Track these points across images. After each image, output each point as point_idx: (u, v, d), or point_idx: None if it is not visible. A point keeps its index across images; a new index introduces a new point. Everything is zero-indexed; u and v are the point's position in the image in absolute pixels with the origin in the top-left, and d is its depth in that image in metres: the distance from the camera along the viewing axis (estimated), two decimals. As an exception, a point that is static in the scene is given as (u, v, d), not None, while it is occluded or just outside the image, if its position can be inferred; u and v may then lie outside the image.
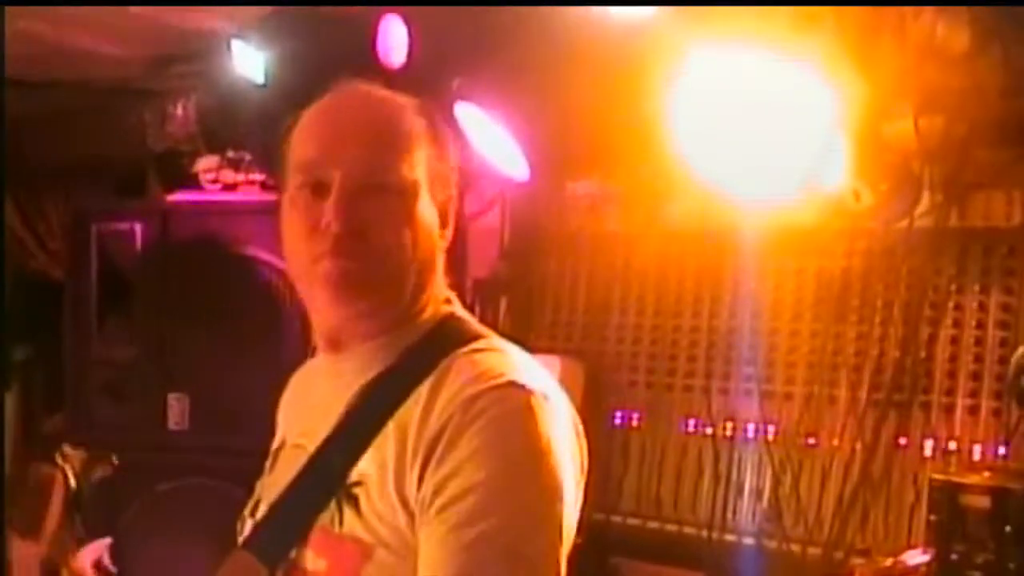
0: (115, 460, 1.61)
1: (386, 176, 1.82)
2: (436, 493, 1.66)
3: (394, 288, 1.85)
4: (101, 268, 4.34)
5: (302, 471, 1.87)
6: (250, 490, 2.05)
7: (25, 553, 1.55)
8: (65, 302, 4.44)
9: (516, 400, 1.72)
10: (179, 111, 4.50)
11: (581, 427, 1.85)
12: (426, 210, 1.86)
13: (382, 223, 1.81)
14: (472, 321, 1.95)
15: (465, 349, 1.82)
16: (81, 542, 1.57)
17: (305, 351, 2.13)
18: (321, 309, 1.89)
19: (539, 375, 1.80)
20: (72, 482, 1.61)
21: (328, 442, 1.85)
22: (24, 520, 1.53)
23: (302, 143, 1.88)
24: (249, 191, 4.20)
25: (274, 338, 3.80)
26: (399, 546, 1.71)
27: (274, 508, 1.90)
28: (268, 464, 2.06)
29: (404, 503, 1.70)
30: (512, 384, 1.73)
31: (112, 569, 4.09)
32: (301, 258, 1.84)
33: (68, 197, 4.95)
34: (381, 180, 1.82)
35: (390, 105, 1.91)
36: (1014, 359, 2.98)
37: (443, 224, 1.92)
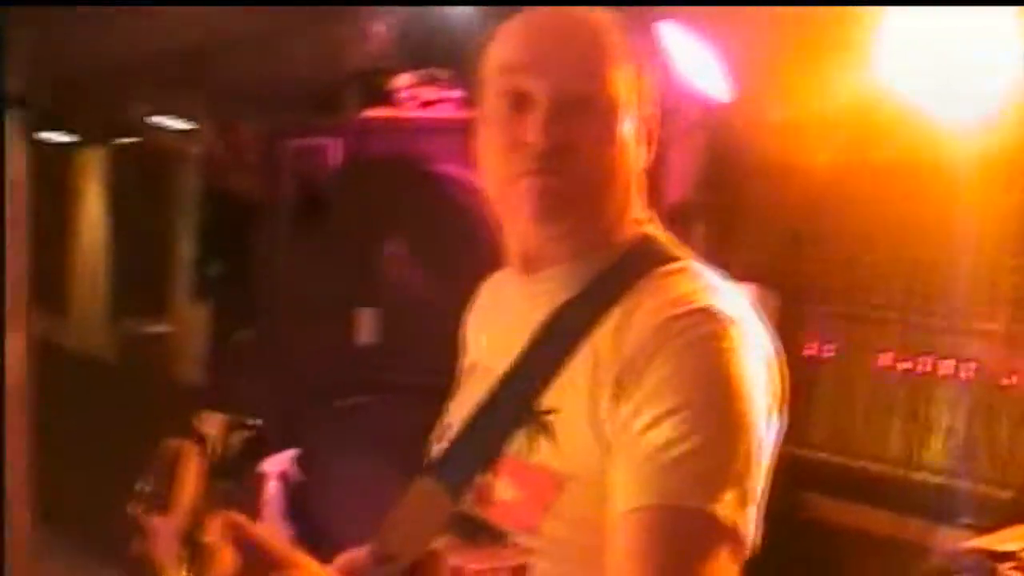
0: (253, 423, 1.59)
1: (592, 91, 1.77)
2: (632, 417, 1.62)
3: (596, 207, 1.79)
4: (295, 185, 4.40)
5: (489, 396, 1.83)
6: (436, 410, 2.04)
7: (161, 528, 1.56)
8: (258, 218, 4.50)
9: (711, 326, 1.66)
10: (379, 28, 4.52)
11: (777, 356, 1.80)
12: (628, 128, 1.82)
13: (587, 140, 1.75)
14: (668, 242, 1.90)
15: (661, 271, 1.78)
16: (226, 511, 1.56)
17: (497, 270, 2.10)
18: (521, 229, 1.84)
19: (735, 301, 1.75)
20: (210, 452, 1.59)
21: (517, 366, 1.81)
22: (153, 499, 1.54)
23: (505, 48, 1.82)
24: (445, 108, 4.20)
25: (466, 256, 3.80)
26: (590, 478, 1.66)
27: (460, 434, 1.86)
28: (458, 386, 2.04)
29: (597, 432, 1.66)
30: (707, 309, 1.67)
31: (300, 477, 4.16)
32: (500, 176, 1.80)
33: (265, 116, 5.02)
34: (587, 95, 1.76)
35: (593, 19, 1.86)
36: None
37: (643, 143, 1.88)
